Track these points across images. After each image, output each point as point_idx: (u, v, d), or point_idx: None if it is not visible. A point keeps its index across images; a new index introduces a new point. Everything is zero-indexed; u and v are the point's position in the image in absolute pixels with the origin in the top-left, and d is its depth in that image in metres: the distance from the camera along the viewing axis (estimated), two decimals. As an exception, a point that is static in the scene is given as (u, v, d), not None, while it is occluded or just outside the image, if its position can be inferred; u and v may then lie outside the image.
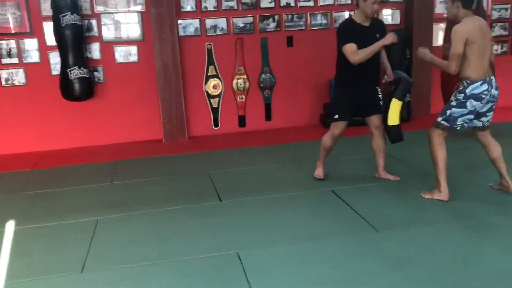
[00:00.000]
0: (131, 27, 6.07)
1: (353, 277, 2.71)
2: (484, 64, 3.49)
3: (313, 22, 6.47)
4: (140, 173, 4.90)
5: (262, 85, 6.54)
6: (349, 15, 4.12)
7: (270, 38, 6.41)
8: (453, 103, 3.58)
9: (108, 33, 6.00)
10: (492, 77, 3.56)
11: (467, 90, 3.50)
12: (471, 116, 3.57)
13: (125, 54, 6.11)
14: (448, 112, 3.59)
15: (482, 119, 3.64)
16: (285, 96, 6.62)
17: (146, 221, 3.67)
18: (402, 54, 6.49)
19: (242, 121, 6.61)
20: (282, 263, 2.90)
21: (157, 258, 3.06)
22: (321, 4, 6.43)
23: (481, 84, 3.47)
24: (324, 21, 6.47)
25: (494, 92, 3.54)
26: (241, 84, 6.47)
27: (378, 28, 3.96)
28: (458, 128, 3.59)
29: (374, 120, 4.09)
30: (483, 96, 3.48)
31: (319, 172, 4.30)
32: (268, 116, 6.66)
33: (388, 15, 6.66)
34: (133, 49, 6.11)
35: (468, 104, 3.50)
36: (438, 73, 5.99)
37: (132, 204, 4.01)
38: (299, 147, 5.60)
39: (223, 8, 6.22)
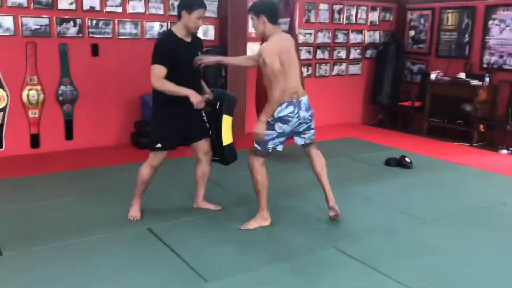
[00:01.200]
0: None
1: None
2: (289, 86, 3.34)
3: (121, 31, 5.80)
4: None
5: (61, 98, 5.58)
6: (170, 28, 3.64)
7: (71, 44, 5.52)
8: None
9: None
10: (302, 98, 3.43)
11: (274, 114, 3.34)
12: (282, 139, 3.46)
13: None
14: None
15: (302, 136, 3.57)
16: (90, 111, 5.77)
17: None
18: (218, 72, 6.28)
19: (35, 140, 5.52)
20: None
21: None
22: (131, 11, 5.81)
23: (286, 107, 3.34)
24: (134, 31, 5.87)
25: (303, 114, 3.42)
26: (33, 97, 5.41)
27: (199, 45, 3.60)
28: (270, 150, 3.45)
29: (203, 145, 3.66)
30: (289, 118, 3.36)
31: (134, 212, 3.64)
32: (69, 135, 5.71)
33: (200, 30, 6.37)
34: None
35: (276, 127, 3.38)
36: (253, 92, 5.93)
37: None
38: (107, 173, 4.84)
39: (9, 4, 5.11)
